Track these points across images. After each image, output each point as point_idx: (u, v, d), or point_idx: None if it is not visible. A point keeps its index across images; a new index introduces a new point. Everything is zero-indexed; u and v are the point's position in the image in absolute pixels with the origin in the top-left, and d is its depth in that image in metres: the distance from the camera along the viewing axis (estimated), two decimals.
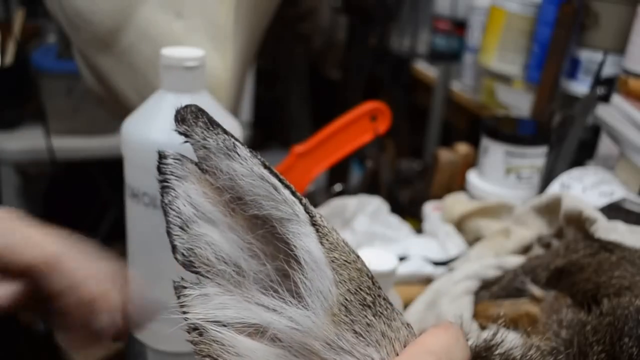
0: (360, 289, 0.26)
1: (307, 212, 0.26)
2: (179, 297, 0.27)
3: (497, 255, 0.65)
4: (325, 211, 0.82)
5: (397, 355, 0.26)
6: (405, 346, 0.26)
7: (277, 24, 1.13)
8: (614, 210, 0.69)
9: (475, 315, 0.57)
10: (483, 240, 0.72)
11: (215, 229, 0.28)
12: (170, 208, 0.28)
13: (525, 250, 0.66)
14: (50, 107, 1.34)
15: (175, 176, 0.28)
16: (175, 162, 0.28)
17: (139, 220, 0.60)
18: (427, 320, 0.58)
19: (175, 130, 0.27)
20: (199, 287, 0.27)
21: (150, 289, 0.62)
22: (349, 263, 0.26)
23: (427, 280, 0.70)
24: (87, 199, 1.58)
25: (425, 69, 1.37)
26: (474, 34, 1.18)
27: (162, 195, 0.28)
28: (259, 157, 0.26)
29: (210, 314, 0.26)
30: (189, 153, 0.28)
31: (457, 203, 0.82)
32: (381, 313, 0.26)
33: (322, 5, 1.63)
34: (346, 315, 0.25)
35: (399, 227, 0.84)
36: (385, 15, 1.38)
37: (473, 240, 0.77)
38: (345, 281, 0.26)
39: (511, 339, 0.30)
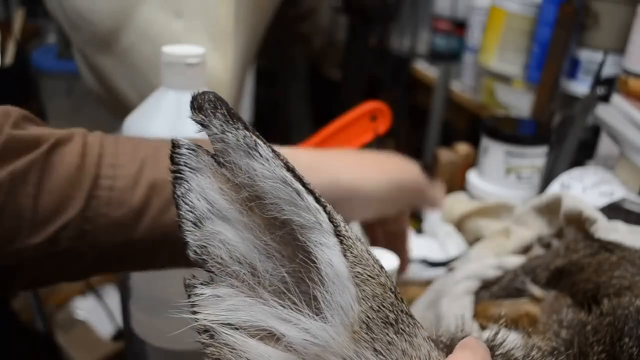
0: (383, 306, 0.25)
1: (331, 221, 0.24)
2: (189, 296, 0.26)
3: (497, 255, 0.64)
4: None
5: None
6: None
7: (277, 24, 1.13)
8: (614, 210, 0.69)
9: (476, 316, 0.57)
10: (483, 240, 0.72)
11: (231, 228, 0.26)
12: (183, 201, 0.26)
13: (525, 250, 0.66)
14: (50, 107, 1.34)
15: (189, 167, 0.26)
16: (190, 153, 0.26)
17: None
18: (428, 320, 0.58)
19: (191, 119, 0.25)
20: (212, 287, 0.26)
21: (153, 288, 0.62)
22: (373, 278, 0.25)
23: (427, 281, 0.70)
24: None
25: (425, 69, 1.37)
26: (474, 34, 1.18)
27: (174, 187, 0.26)
28: (282, 157, 0.25)
29: (222, 315, 0.25)
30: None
31: (457, 203, 0.82)
32: (403, 330, 0.25)
33: (322, 5, 1.63)
34: (367, 333, 0.24)
35: None
36: (385, 15, 1.38)
37: (473, 240, 0.77)
38: (368, 298, 0.24)
39: (512, 339, 0.30)
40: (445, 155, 0.98)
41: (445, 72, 1.26)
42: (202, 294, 0.26)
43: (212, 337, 0.25)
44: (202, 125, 0.25)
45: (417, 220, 0.88)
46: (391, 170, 0.59)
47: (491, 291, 0.59)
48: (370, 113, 0.87)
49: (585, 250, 0.56)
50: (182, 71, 0.58)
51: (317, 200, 0.24)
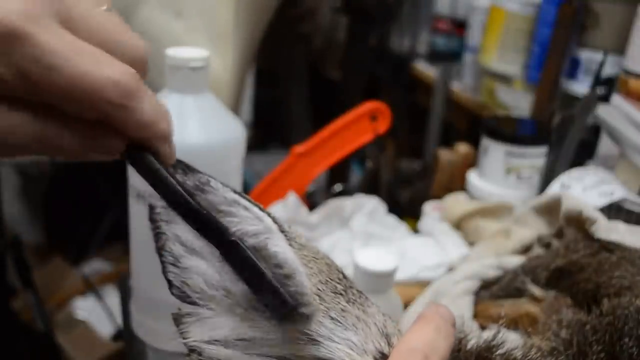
0: (331, 279, 0.29)
1: (275, 222, 0.29)
2: (178, 326, 0.30)
3: (497, 255, 0.65)
4: (323, 211, 0.82)
5: (375, 335, 0.27)
6: (382, 330, 0.28)
7: (277, 24, 1.13)
8: (614, 210, 0.69)
9: (476, 316, 0.57)
10: (483, 240, 0.72)
11: (203, 260, 0.30)
12: (164, 250, 0.31)
13: (525, 250, 0.66)
14: None
15: (165, 221, 0.31)
16: (163, 210, 0.31)
17: (145, 220, 0.60)
18: None
19: None
20: (195, 315, 0.30)
21: (154, 287, 0.62)
22: (318, 259, 0.29)
23: (426, 281, 0.70)
24: (87, 199, 1.58)
25: (425, 69, 1.37)
26: (474, 34, 1.18)
27: (156, 242, 0.32)
28: (229, 186, 0.30)
29: (206, 334, 0.30)
30: None
31: (457, 203, 0.82)
32: (354, 300, 0.29)
33: (322, 5, 1.63)
34: (321, 304, 0.27)
35: (396, 227, 0.84)
36: (385, 15, 1.38)
37: (473, 240, 0.77)
38: (315, 274, 0.29)
39: (512, 340, 0.30)
40: (445, 155, 0.98)
41: (445, 72, 1.26)
42: (187, 322, 0.30)
43: (200, 354, 0.30)
44: None
45: (417, 220, 0.88)
46: None
47: (491, 291, 0.59)
48: (370, 113, 0.87)
49: (585, 250, 0.56)
50: (186, 74, 0.58)
51: (262, 209, 0.29)
